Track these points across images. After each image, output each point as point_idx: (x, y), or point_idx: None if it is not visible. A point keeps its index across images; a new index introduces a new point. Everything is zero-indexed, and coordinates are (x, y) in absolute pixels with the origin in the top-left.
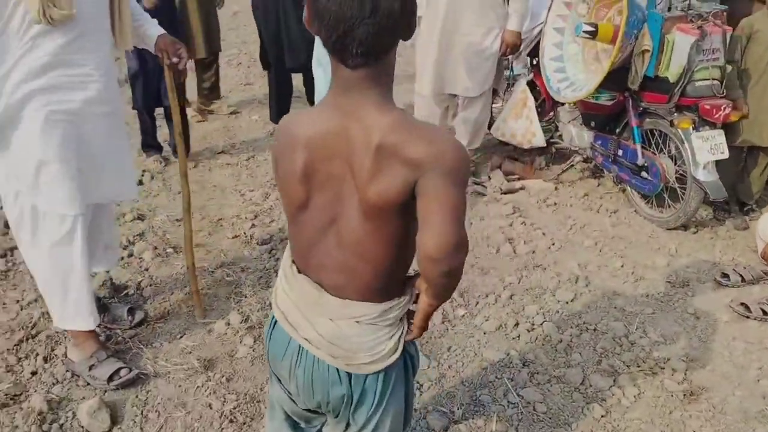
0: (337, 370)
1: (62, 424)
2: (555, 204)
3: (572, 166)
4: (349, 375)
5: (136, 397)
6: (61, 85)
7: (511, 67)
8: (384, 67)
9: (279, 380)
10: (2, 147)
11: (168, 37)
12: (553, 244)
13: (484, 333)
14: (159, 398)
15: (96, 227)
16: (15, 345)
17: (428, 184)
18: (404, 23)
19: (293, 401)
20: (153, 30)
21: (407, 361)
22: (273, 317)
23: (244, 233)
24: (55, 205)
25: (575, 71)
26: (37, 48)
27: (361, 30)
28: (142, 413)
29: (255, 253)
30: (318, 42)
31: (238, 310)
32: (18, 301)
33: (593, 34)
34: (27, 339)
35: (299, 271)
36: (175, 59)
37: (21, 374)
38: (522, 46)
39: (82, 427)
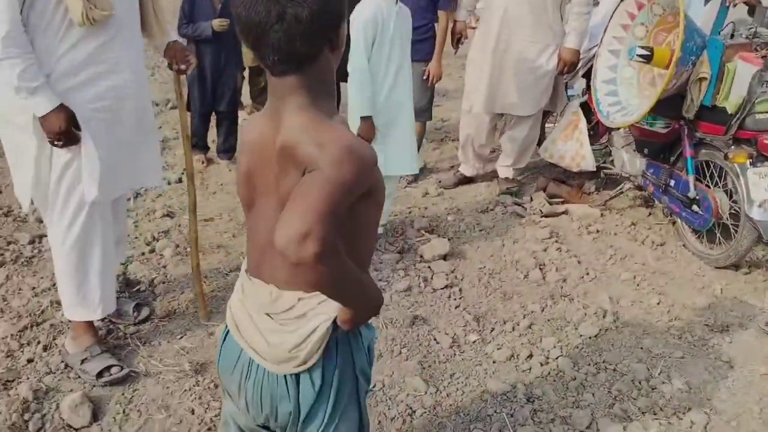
0: (286, 384)
1: (44, 415)
2: (597, 232)
3: (621, 193)
4: (298, 391)
5: (122, 394)
6: (95, 82)
7: (566, 87)
8: (313, 76)
9: (230, 395)
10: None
11: (178, 44)
12: (587, 273)
13: (494, 362)
14: (144, 398)
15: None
16: (19, 331)
17: (302, 181)
18: (318, 31)
19: (245, 416)
20: (166, 36)
21: (358, 384)
22: (226, 330)
23: None
24: (77, 190)
25: (628, 95)
26: (76, 47)
27: (271, 36)
28: (124, 412)
29: None
30: (352, 51)
31: None
32: (33, 288)
33: (648, 59)
34: (32, 326)
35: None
36: (183, 66)
37: (18, 360)
38: (579, 65)
39: (63, 419)
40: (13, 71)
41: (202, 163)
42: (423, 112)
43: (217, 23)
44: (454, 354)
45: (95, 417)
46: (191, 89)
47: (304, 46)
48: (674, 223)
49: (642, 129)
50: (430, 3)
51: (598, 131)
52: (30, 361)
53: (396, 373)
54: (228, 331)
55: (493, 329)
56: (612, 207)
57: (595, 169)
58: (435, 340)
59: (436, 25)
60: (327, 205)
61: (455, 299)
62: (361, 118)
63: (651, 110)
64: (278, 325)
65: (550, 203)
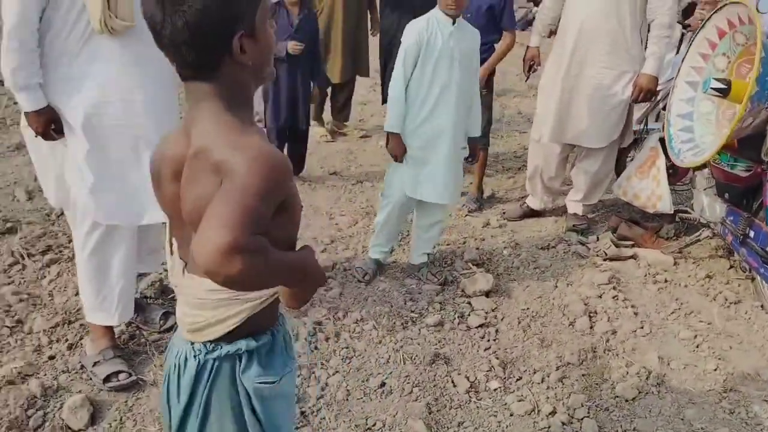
0: (167, 396)
1: (47, 413)
2: (665, 282)
3: (699, 240)
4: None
5: (125, 402)
6: (115, 99)
7: (646, 120)
8: (222, 83)
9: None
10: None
11: None
12: (641, 327)
13: (511, 414)
14: (144, 408)
15: (143, 229)
16: (51, 327)
17: (217, 194)
18: (201, 41)
19: None
20: None
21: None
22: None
23: None
24: (87, 214)
25: (703, 132)
26: (97, 57)
27: (161, 41)
28: (120, 419)
29: None
30: (396, 64)
31: None
32: (76, 287)
33: (724, 93)
34: (64, 324)
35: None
36: None
37: (42, 356)
38: (659, 97)
39: (62, 419)
40: (8, 65)
41: None
42: (481, 138)
43: (291, 46)
44: (470, 400)
45: (93, 420)
46: (266, 105)
47: (190, 54)
48: (753, 279)
49: (724, 171)
50: (491, 21)
51: (678, 170)
52: (51, 358)
53: (400, 414)
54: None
55: (519, 378)
56: (688, 255)
57: (672, 212)
58: (452, 382)
59: (497, 46)
60: (246, 215)
61: (488, 340)
62: (388, 133)
63: (732, 151)
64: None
65: (617, 245)
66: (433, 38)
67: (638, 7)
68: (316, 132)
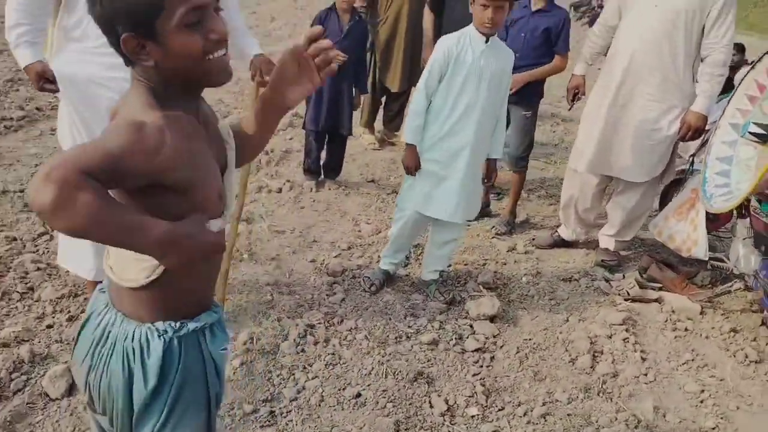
0: (122, 375)
1: (29, 378)
2: (685, 330)
3: (729, 291)
4: (131, 388)
5: None
6: (118, 75)
7: (692, 161)
8: (141, 72)
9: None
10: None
11: (264, 56)
12: (645, 374)
13: None
14: None
15: None
16: (58, 298)
17: None
18: (104, 30)
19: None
20: (249, 49)
21: (208, 391)
22: (87, 316)
23: (323, 261)
24: None
25: (740, 178)
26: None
27: None
28: None
29: (317, 281)
30: (421, 76)
31: (252, 329)
32: None
33: (763, 139)
34: (70, 296)
35: None
36: (267, 78)
37: (42, 323)
38: (706, 137)
39: (42, 387)
40: (7, 22)
41: (312, 189)
42: (519, 161)
43: None
44: (443, 423)
45: (70, 391)
46: (307, 108)
47: (107, 37)
48: None
49: (764, 222)
50: (546, 43)
51: (719, 216)
52: (49, 326)
53: (367, 426)
54: (87, 318)
55: (501, 408)
56: (719, 306)
57: (706, 258)
58: (430, 403)
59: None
60: (83, 157)
61: (480, 366)
62: (405, 142)
63: None
64: None
65: (642, 286)
66: (463, 54)
67: (693, 42)
68: (365, 139)
